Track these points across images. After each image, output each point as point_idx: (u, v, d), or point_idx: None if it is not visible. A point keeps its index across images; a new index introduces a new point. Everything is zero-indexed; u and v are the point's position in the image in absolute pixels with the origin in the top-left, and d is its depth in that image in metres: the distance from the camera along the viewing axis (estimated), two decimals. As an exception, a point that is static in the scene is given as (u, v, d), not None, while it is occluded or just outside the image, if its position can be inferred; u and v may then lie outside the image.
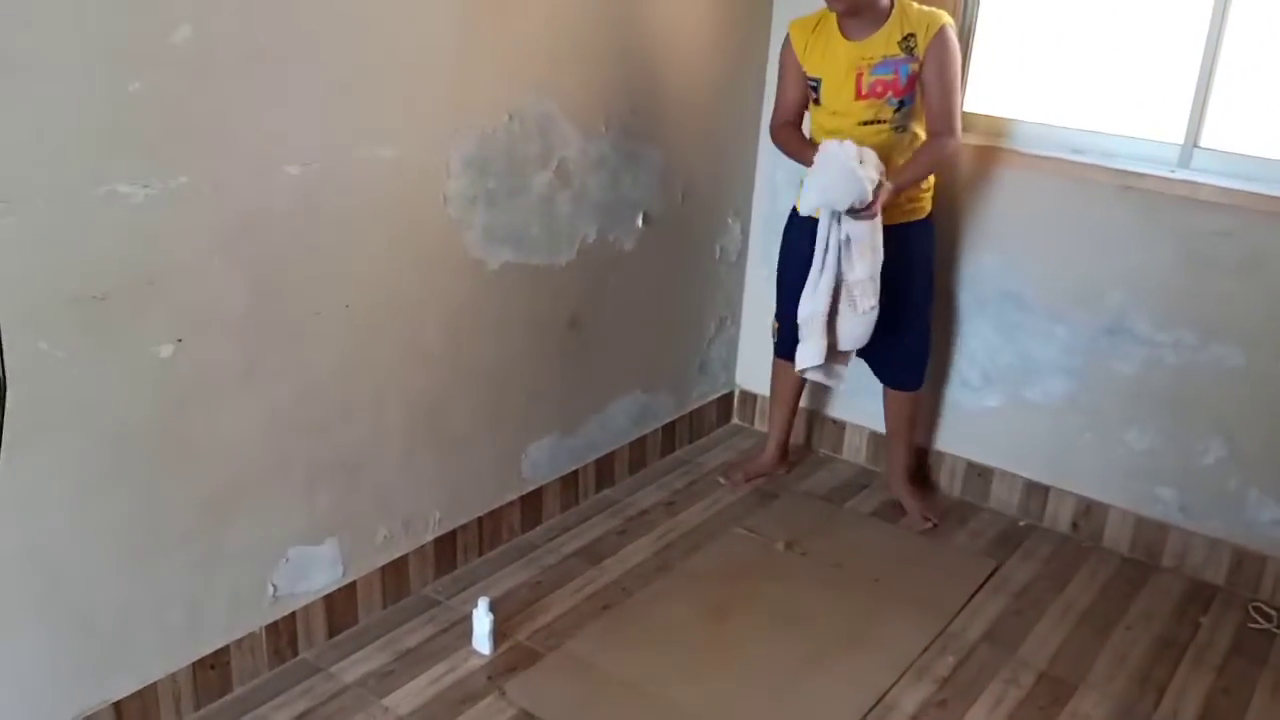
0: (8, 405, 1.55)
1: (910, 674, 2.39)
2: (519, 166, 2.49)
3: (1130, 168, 2.69)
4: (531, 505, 2.83)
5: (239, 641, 2.17)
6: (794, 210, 2.83)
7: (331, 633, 2.37)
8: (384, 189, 2.20)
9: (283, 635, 2.26)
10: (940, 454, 3.17)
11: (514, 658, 2.36)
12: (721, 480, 3.15)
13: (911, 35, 2.54)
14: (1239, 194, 2.55)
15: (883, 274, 2.60)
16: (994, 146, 2.87)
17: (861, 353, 2.80)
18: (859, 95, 2.59)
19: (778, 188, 3.27)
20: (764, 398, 3.49)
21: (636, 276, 2.97)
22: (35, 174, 1.65)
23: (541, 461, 2.84)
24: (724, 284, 3.35)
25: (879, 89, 2.58)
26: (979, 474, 3.11)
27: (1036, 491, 3.03)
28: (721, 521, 2.95)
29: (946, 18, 2.56)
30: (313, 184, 2.05)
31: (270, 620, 2.23)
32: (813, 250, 2.64)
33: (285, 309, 2.08)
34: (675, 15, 2.83)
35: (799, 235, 2.79)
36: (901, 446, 3.03)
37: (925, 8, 2.57)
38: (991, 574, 2.77)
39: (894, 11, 2.56)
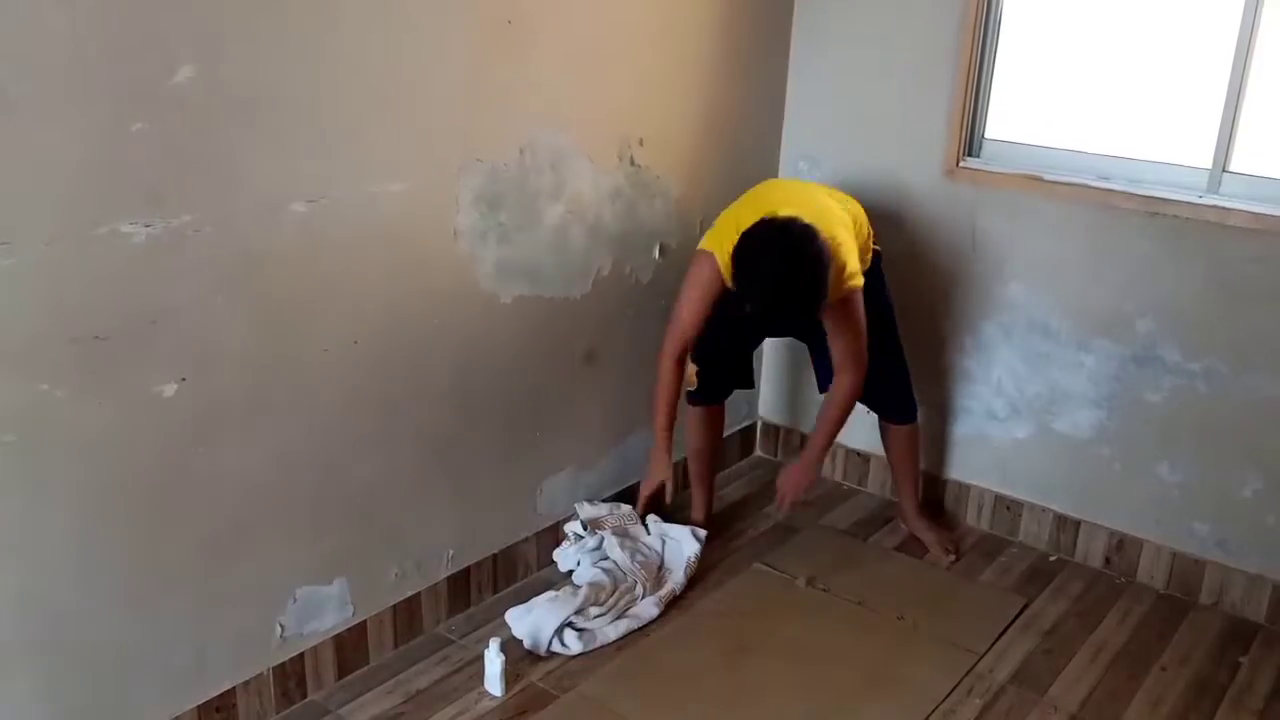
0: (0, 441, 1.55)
1: (936, 716, 2.31)
2: (531, 200, 2.48)
3: (1158, 193, 2.63)
4: (547, 542, 2.79)
5: (246, 683, 2.15)
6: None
7: (341, 674, 2.34)
8: (393, 224, 2.19)
9: (291, 677, 2.23)
10: (967, 486, 3.09)
11: (526, 700, 2.31)
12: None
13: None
14: (1270, 219, 2.47)
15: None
16: (1019, 174, 2.82)
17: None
18: None
19: (797, 217, 3.23)
20: (787, 429, 3.44)
21: (654, 309, 2.93)
22: (36, 214, 1.65)
23: (557, 497, 2.80)
24: (744, 315, 3.31)
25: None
26: (1007, 507, 3.03)
27: (1067, 526, 2.94)
28: (742, 557, 2.89)
29: (846, 284, 2.40)
30: (319, 221, 2.04)
31: (278, 661, 2.20)
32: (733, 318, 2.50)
33: (292, 346, 2.07)
34: (690, 44, 2.81)
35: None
36: (908, 481, 2.96)
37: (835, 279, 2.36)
38: (1020, 612, 2.69)
39: None
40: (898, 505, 3.05)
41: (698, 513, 3.01)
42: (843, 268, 2.39)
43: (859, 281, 2.46)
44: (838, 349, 2.54)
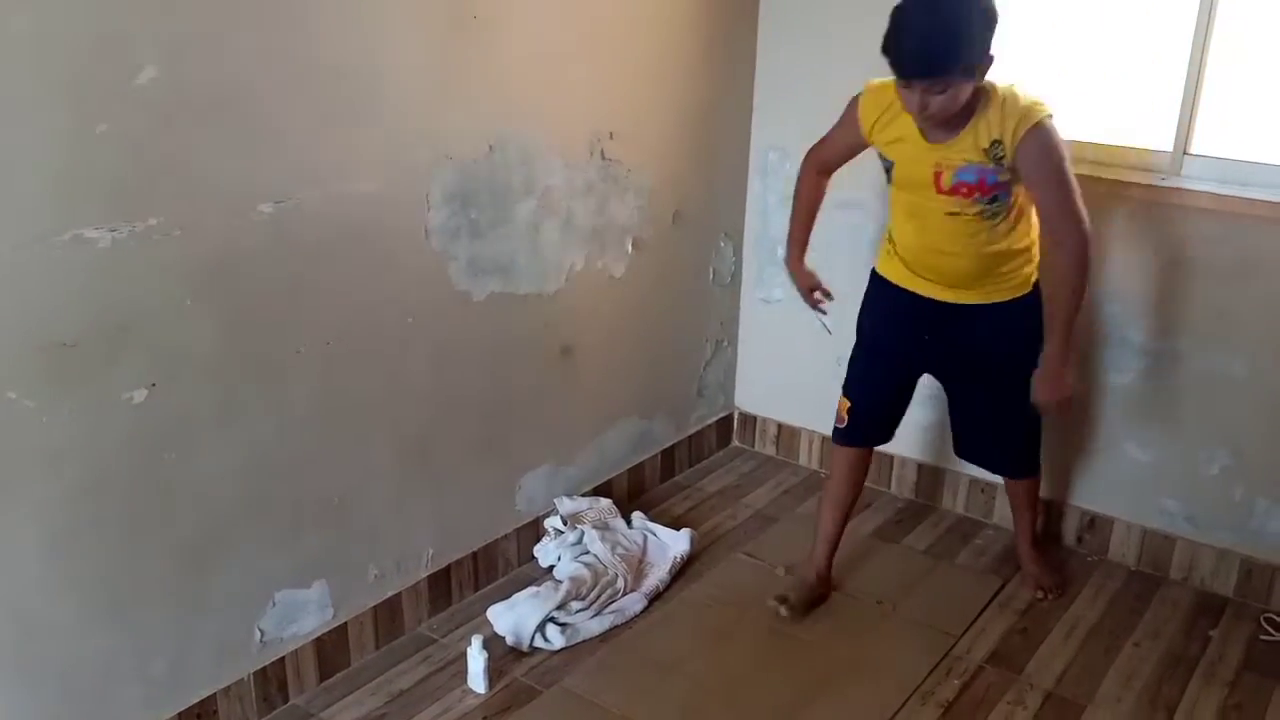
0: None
1: (915, 698, 2.33)
2: (502, 196, 2.47)
3: (1120, 176, 2.66)
4: (527, 537, 2.79)
5: (226, 690, 2.13)
6: (873, 271, 2.54)
7: (323, 676, 2.33)
8: (363, 224, 2.18)
9: (272, 681, 2.22)
10: (942, 470, 3.12)
11: (510, 696, 2.31)
12: (782, 612, 2.58)
13: (998, 143, 2.15)
14: (1231, 200, 2.51)
15: (969, 357, 2.41)
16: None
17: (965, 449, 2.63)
18: (939, 191, 2.24)
19: (769, 208, 3.25)
20: (764, 419, 3.45)
21: (629, 302, 2.94)
22: (-1, 221, 1.63)
23: (537, 493, 2.80)
24: (719, 307, 3.32)
25: (963, 190, 2.21)
26: (982, 490, 3.06)
27: (1040, 507, 2.97)
28: (722, 547, 2.91)
29: (1040, 114, 2.13)
30: (288, 222, 2.03)
31: (258, 666, 2.19)
32: (899, 313, 2.44)
33: (263, 349, 2.05)
34: (657, 37, 2.82)
35: (878, 294, 2.50)
36: (1023, 521, 2.75)
37: (1019, 99, 2.15)
38: (997, 593, 2.72)
39: (979, 109, 2.15)
40: (1014, 536, 2.83)
41: (812, 569, 2.65)
42: (1030, 100, 2.14)
43: (1049, 111, 2.14)
44: (1044, 206, 2.20)
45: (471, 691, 2.31)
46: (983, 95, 2.16)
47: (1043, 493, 2.95)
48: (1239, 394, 2.62)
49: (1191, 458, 2.72)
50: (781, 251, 3.22)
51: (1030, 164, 2.15)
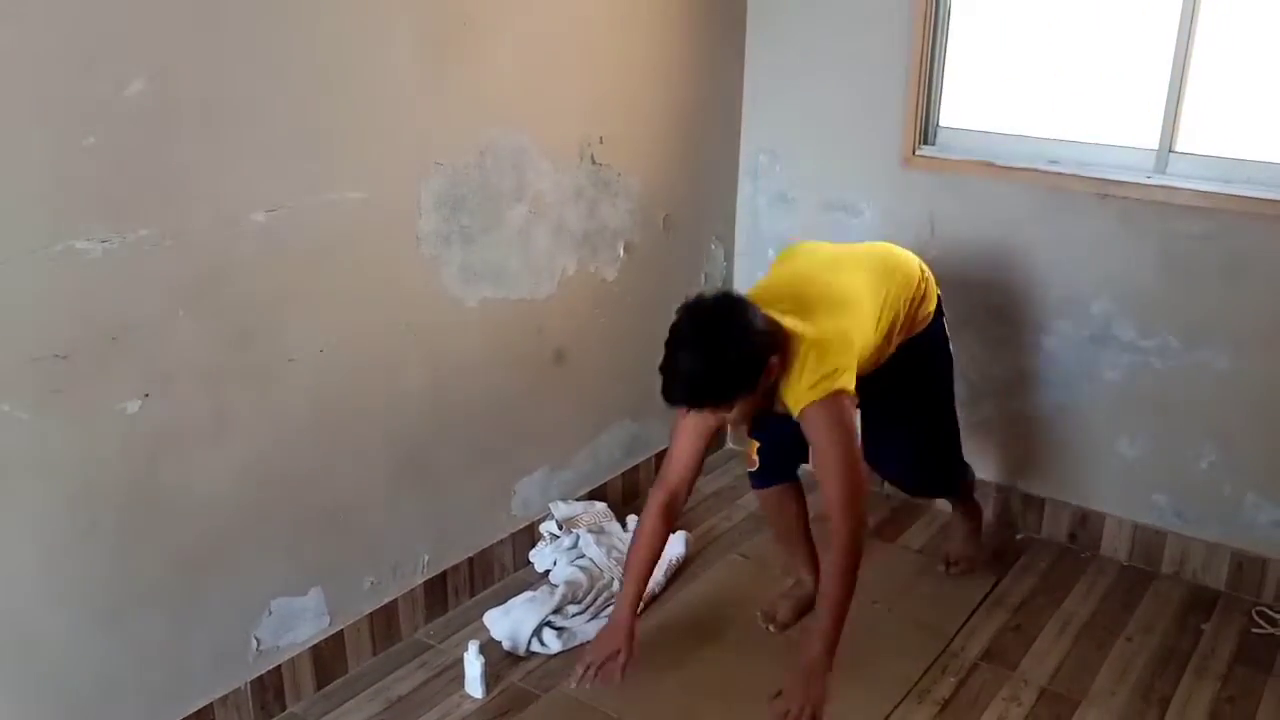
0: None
1: (911, 697, 2.35)
2: (493, 202, 2.48)
3: (1108, 175, 2.68)
4: (523, 542, 2.79)
5: (224, 698, 2.13)
6: None
7: (320, 684, 2.33)
8: (354, 231, 2.18)
9: (269, 689, 2.22)
10: (933, 470, 3.14)
11: (508, 700, 2.32)
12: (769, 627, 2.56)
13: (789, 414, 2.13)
14: (1217, 196, 2.54)
15: (872, 387, 2.28)
16: (974, 161, 2.86)
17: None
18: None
19: (759, 211, 3.26)
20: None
21: (621, 306, 2.95)
22: (-10, 234, 1.63)
23: (532, 497, 2.81)
24: (708, 308, 3.32)
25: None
26: (974, 489, 3.07)
27: (1032, 504, 2.99)
28: (717, 549, 2.92)
29: (816, 395, 2.05)
30: (280, 230, 2.03)
31: (255, 675, 2.19)
32: None
33: (257, 357, 2.05)
34: (646, 42, 2.83)
35: None
36: (955, 518, 2.83)
37: (803, 374, 2.06)
38: (990, 591, 2.74)
39: (781, 384, 2.09)
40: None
41: (798, 587, 2.59)
42: (830, 368, 2.05)
43: (845, 383, 2.07)
44: (822, 487, 2.13)
45: (469, 697, 2.32)
46: (787, 366, 2.07)
47: (1034, 490, 2.99)
48: (1226, 389, 2.64)
49: (1181, 453, 2.74)
50: (773, 254, 3.25)
51: (811, 438, 2.11)
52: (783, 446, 2.43)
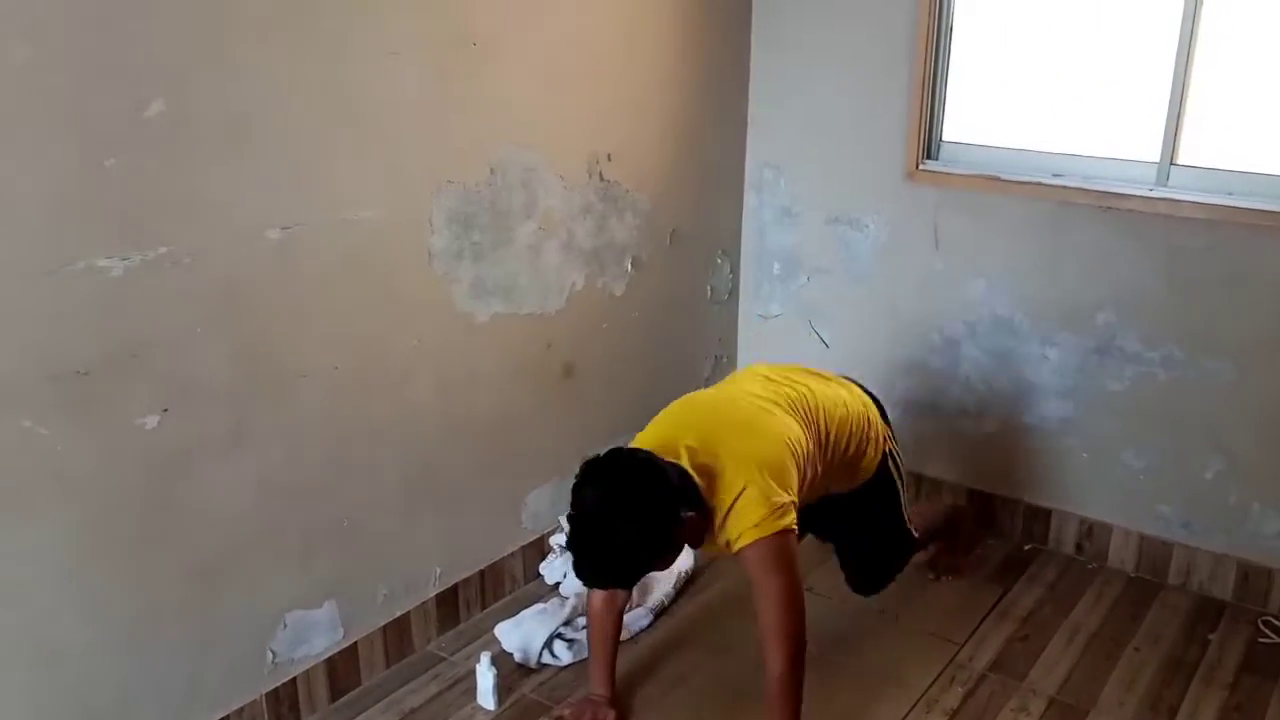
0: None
1: (920, 707, 2.36)
2: (503, 218, 2.51)
3: (1111, 188, 2.71)
4: (533, 555, 2.81)
5: (239, 710, 2.16)
6: None
7: (334, 696, 2.35)
8: (367, 249, 2.21)
9: (284, 702, 2.24)
10: (940, 482, 3.15)
11: (519, 712, 2.34)
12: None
13: (726, 544, 2.06)
14: (1218, 209, 2.56)
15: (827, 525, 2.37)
16: (977, 175, 2.89)
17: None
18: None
19: (765, 225, 3.29)
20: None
21: (629, 320, 2.98)
22: (12, 251, 1.67)
23: (542, 510, 2.83)
24: (717, 323, 3.36)
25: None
26: (981, 500, 3.10)
27: (1039, 515, 3.01)
28: (726, 561, 2.93)
29: (755, 535, 1.99)
30: (295, 248, 2.07)
31: (270, 687, 2.21)
32: None
33: (272, 373, 2.09)
34: (652, 60, 2.86)
35: None
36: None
37: (740, 513, 2.00)
38: (997, 601, 2.75)
39: (711, 526, 2.04)
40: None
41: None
42: (773, 504, 1.99)
43: (790, 521, 2.01)
44: (759, 619, 2.05)
45: (481, 709, 2.34)
46: (715, 503, 2.02)
47: (1040, 501, 3.00)
48: (1231, 400, 2.66)
49: (1186, 464, 2.75)
50: (778, 268, 3.28)
51: (750, 574, 2.06)
52: None
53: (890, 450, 2.43)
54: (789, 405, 2.20)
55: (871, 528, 2.48)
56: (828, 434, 2.23)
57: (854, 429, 2.30)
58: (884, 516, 2.47)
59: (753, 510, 2.00)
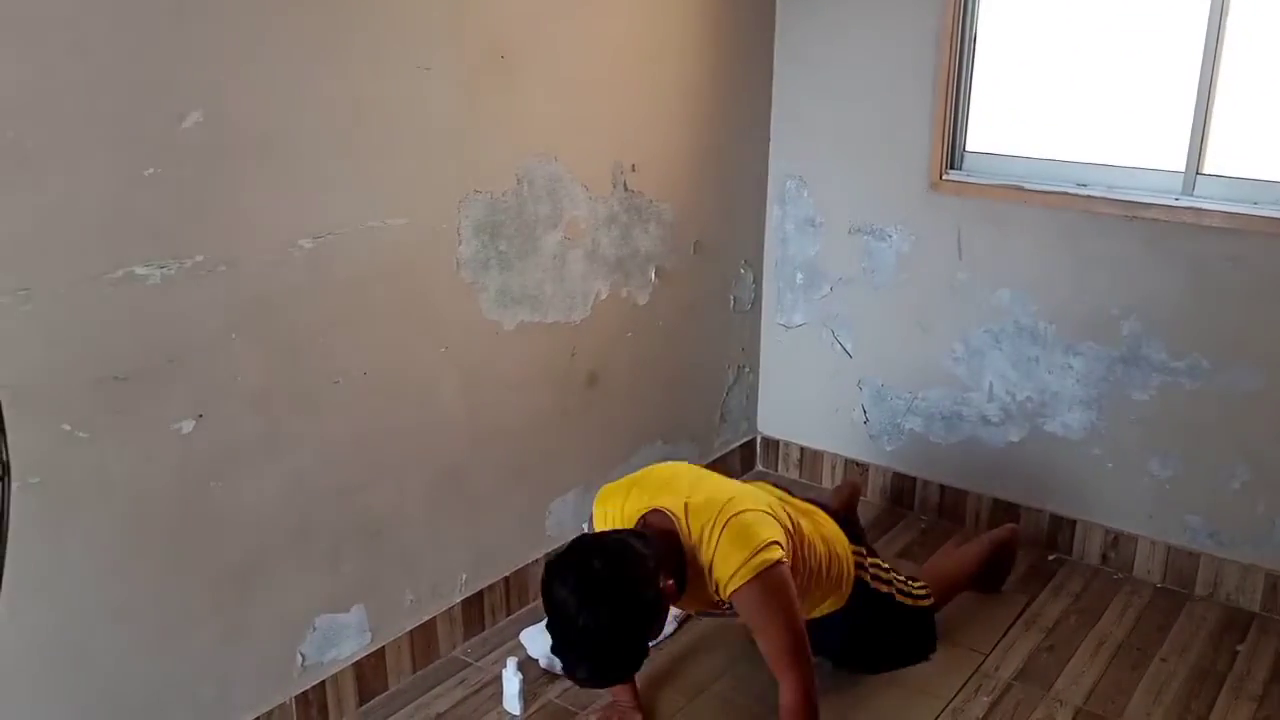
0: (27, 483, 1.59)
1: (946, 715, 2.36)
2: (530, 228, 2.54)
3: (1136, 198, 2.71)
4: (556, 562, 2.83)
5: (269, 713, 2.18)
6: None
7: (362, 700, 2.37)
8: (397, 257, 2.25)
9: (313, 705, 2.27)
10: (964, 492, 3.15)
11: (545, 718, 2.35)
12: None
13: (718, 595, 2.07)
14: (1244, 218, 2.56)
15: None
16: (1001, 185, 2.89)
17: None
18: (696, 613, 2.31)
19: (788, 235, 3.31)
20: (787, 442, 3.49)
21: (653, 330, 3.00)
22: (54, 260, 1.71)
23: (566, 517, 2.85)
24: (740, 333, 3.37)
25: (716, 613, 2.23)
26: (1005, 509, 3.09)
27: (1064, 525, 3.00)
28: (747, 570, 2.94)
29: (745, 575, 1.99)
30: (326, 256, 2.10)
31: (300, 690, 2.24)
32: None
33: (304, 379, 2.12)
34: (676, 71, 2.89)
35: None
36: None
37: (729, 555, 2.01)
38: (1023, 610, 2.75)
39: (691, 577, 2.06)
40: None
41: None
42: (756, 542, 2.00)
43: (772, 555, 2.01)
44: (763, 651, 2.07)
45: (507, 713, 2.35)
46: (691, 555, 2.03)
47: (1065, 511, 3.00)
48: (1257, 409, 2.65)
49: (1213, 474, 2.74)
50: (801, 278, 3.30)
51: (745, 616, 2.08)
52: None
53: (861, 574, 2.37)
54: (768, 506, 2.17)
55: (875, 633, 2.43)
56: (801, 542, 2.20)
57: (826, 554, 2.29)
58: (883, 620, 2.42)
59: (735, 554, 1.98)
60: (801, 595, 2.15)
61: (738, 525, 2.02)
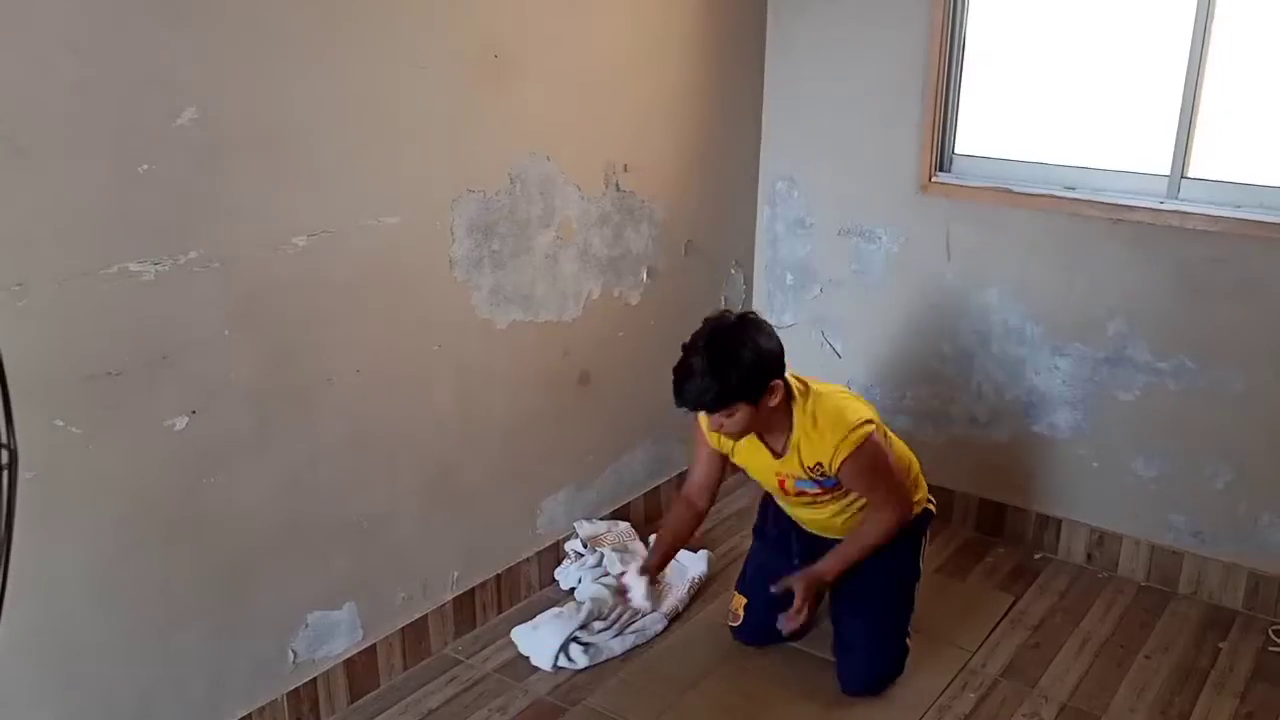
0: (20, 478, 1.59)
1: (932, 713, 2.38)
2: (522, 227, 2.55)
3: (1122, 201, 2.74)
4: (548, 560, 2.84)
5: (261, 710, 2.19)
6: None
7: (353, 697, 2.38)
8: (391, 256, 2.25)
9: (304, 701, 2.27)
10: (951, 492, 3.17)
11: (535, 715, 2.36)
12: None
13: (819, 465, 2.28)
14: (1228, 221, 2.59)
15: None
16: (990, 187, 2.92)
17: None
18: (787, 494, 2.41)
19: (778, 236, 3.33)
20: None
21: (644, 329, 3.01)
22: (48, 256, 1.71)
23: (557, 515, 2.86)
24: (728, 332, 3.39)
25: (807, 495, 2.38)
26: (992, 509, 3.12)
27: (1049, 524, 3.03)
28: (738, 567, 2.95)
29: (853, 441, 2.23)
30: (320, 254, 2.11)
31: (291, 687, 2.24)
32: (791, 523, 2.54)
33: (297, 377, 2.12)
34: (668, 73, 2.91)
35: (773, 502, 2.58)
36: None
37: (833, 422, 2.25)
38: (1009, 609, 2.77)
39: (797, 430, 2.26)
40: None
41: None
42: (855, 418, 2.26)
43: (864, 430, 2.25)
44: (867, 498, 2.35)
45: (499, 712, 2.36)
46: (798, 411, 2.27)
47: (1051, 510, 3.02)
48: (1240, 410, 2.68)
49: (1196, 474, 2.78)
50: (791, 278, 3.32)
51: (851, 480, 2.31)
52: (771, 608, 2.40)
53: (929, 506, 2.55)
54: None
55: (885, 590, 2.47)
56: (889, 441, 2.42)
57: (906, 457, 2.51)
58: (900, 580, 2.50)
59: (837, 428, 2.25)
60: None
61: (836, 405, 2.29)
